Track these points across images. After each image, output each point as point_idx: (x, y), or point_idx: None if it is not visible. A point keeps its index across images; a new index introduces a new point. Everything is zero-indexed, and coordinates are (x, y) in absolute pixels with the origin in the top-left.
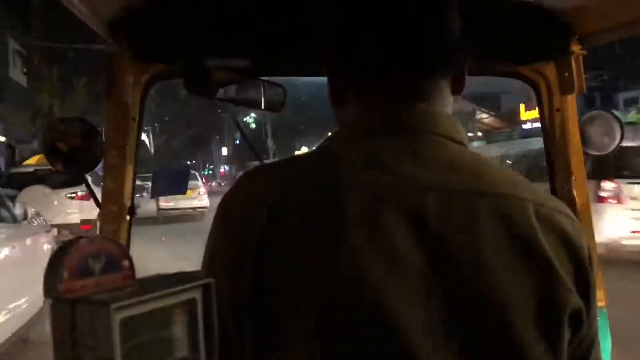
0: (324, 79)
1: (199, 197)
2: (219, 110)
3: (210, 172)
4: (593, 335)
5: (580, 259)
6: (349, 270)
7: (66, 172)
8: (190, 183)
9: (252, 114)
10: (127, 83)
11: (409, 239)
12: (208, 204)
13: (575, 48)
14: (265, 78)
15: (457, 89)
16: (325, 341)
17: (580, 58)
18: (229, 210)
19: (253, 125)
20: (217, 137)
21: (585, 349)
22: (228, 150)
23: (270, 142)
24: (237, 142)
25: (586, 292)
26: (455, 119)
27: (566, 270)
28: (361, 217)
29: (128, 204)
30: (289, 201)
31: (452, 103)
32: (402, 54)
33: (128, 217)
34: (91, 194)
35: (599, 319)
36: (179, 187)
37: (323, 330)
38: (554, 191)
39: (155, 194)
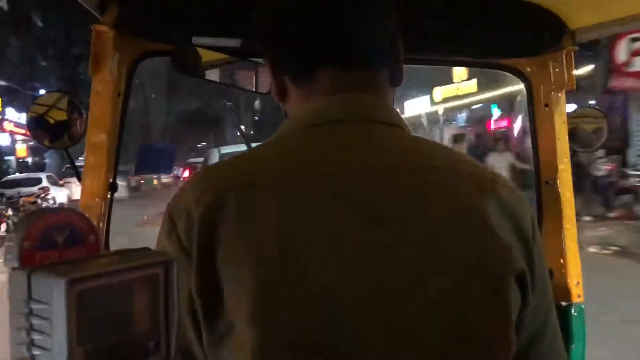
0: None
1: None
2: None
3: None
4: (547, 307)
5: (521, 226)
6: (287, 257)
7: (51, 147)
8: None
9: None
10: (113, 59)
11: (349, 221)
12: None
13: (567, 43)
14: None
15: (395, 81)
16: (264, 327)
17: (572, 54)
18: (174, 214)
19: None
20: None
21: (542, 322)
22: (247, 130)
23: None
24: (257, 118)
25: (530, 259)
26: (392, 106)
27: (507, 236)
28: (299, 205)
29: (110, 179)
30: (227, 200)
31: (391, 93)
32: (336, 48)
33: (109, 194)
34: (73, 168)
35: (575, 314)
36: (164, 166)
37: (263, 317)
38: (538, 186)
39: (139, 171)
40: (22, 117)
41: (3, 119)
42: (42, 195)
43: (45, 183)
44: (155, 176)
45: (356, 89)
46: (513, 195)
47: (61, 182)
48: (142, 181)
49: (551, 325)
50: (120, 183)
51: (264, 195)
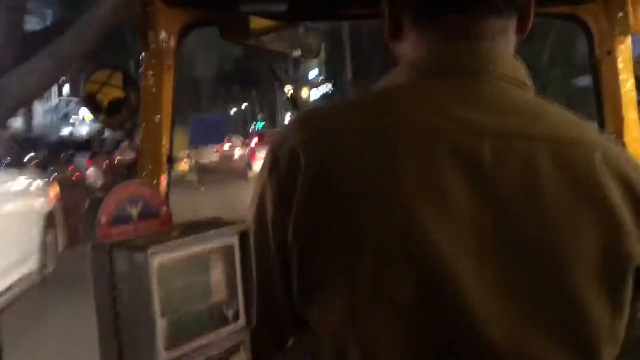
0: None
1: None
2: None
3: (260, 124)
4: None
5: None
6: (399, 215)
7: (107, 123)
8: None
9: None
10: (161, 31)
11: (462, 185)
12: None
13: None
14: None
15: (522, 29)
16: (370, 281)
17: None
18: (278, 153)
19: None
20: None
21: None
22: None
23: None
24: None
25: None
26: (519, 61)
27: (632, 223)
28: (413, 161)
29: (166, 152)
30: (338, 145)
31: (515, 44)
32: None
33: (166, 166)
34: (133, 146)
35: None
36: (216, 136)
37: (368, 269)
38: None
39: (193, 143)
40: None
41: None
42: None
43: None
44: (184, 156)
45: (482, 37)
46: (638, 175)
47: None
48: None
49: None
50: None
51: (377, 142)
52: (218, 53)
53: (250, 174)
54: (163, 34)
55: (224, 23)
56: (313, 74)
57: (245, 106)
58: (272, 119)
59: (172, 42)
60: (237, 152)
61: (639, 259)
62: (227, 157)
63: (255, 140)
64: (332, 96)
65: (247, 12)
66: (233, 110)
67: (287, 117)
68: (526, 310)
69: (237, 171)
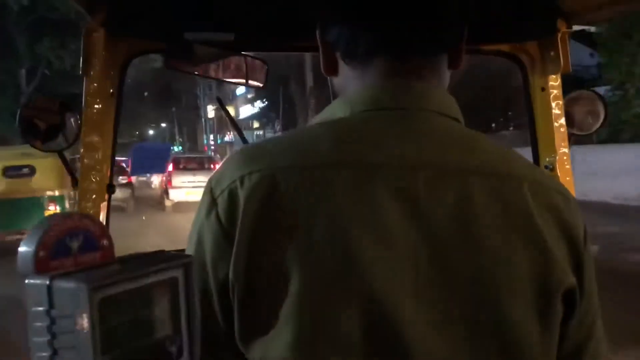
0: None
1: None
2: None
3: (178, 147)
4: (592, 320)
5: (574, 239)
6: (339, 252)
7: (44, 150)
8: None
9: None
10: (104, 58)
11: (399, 219)
12: None
13: (561, 27)
14: (247, 53)
15: (454, 64)
16: (312, 319)
17: (567, 37)
18: (215, 192)
19: None
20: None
21: (586, 334)
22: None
23: None
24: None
25: (580, 273)
26: (450, 96)
27: (560, 250)
28: (350, 197)
29: (106, 181)
30: (277, 182)
31: (448, 78)
32: (396, 30)
33: (107, 195)
34: (69, 172)
35: None
36: (159, 165)
37: (310, 308)
38: None
39: (134, 172)
40: None
41: None
42: None
43: None
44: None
45: (415, 75)
46: (567, 204)
47: None
48: None
49: (595, 339)
50: None
51: (315, 180)
52: (133, 65)
53: (167, 203)
54: (107, 62)
55: (169, 52)
56: (240, 90)
57: (164, 127)
58: (194, 141)
59: (116, 70)
60: (155, 179)
61: (567, 284)
62: (144, 184)
63: (170, 166)
64: (266, 114)
65: (193, 41)
66: (150, 132)
67: (211, 139)
68: (463, 339)
69: (154, 200)
